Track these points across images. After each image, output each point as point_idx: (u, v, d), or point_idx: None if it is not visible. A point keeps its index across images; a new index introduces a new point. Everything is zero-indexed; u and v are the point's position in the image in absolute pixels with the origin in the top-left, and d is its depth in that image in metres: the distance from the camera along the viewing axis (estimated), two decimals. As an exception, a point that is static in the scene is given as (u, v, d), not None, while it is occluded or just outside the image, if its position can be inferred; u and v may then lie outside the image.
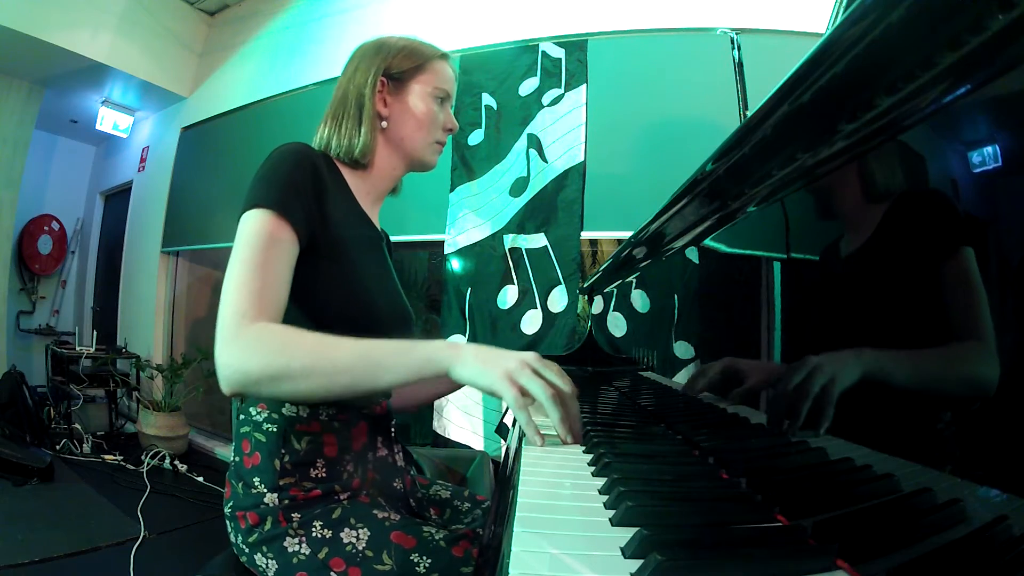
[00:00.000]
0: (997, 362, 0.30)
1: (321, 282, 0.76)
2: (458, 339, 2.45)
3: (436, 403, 2.42)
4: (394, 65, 0.87)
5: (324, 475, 0.76)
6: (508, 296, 2.39)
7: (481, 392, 0.99)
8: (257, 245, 0.68)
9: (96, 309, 4.76)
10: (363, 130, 0.85)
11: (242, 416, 0.78)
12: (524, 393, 0.61)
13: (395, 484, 0.85)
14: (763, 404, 0.60)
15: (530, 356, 0.64)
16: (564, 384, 0.63)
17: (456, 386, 1.06)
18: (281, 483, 0.73)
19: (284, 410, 0.76)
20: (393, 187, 0.95)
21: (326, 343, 0.65)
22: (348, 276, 0.79)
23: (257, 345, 0.63)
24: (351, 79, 0.87)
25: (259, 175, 0.74)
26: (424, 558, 0.68)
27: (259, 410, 0.77)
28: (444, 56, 0.92)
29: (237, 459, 0.77)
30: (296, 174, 0.74)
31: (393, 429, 0.89)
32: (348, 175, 0.87)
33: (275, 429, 0.75)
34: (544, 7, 2.51)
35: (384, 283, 0.88)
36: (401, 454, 0.89)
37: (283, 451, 0.74)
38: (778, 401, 0.54)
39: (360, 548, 0.69)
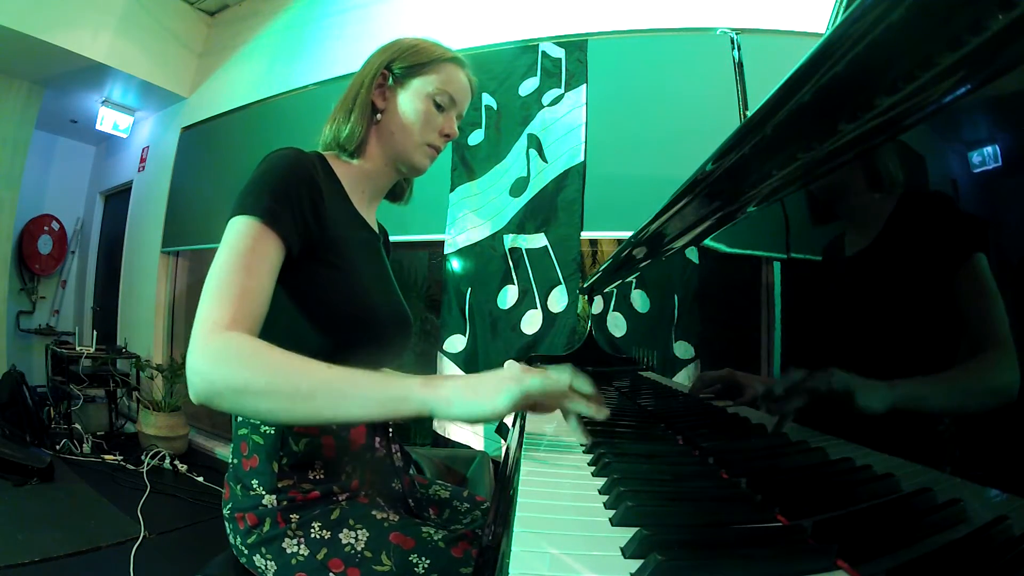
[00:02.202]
0: (1001, 366, 0.30)
1: (318, 285, 0.76)
2: (458, 339, 2.45)
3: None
4: (399, 60, 0.86)
5: (322, 476, 0.76)
6: (508, 296, 2.39)
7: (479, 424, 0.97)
8: (238, 253, 0.66)
9: (96, 309, 4.76)
10: (353, 117, 0.85)
11: (240, 418, 0.78)
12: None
13: (394, 485, 0.85)
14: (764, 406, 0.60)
15: (514, 369, 0.62)
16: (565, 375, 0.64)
17: None
18: (280, 485, 0.73)
19: None
20: (391, 190, 0.95)
21: (293, 363, 0.60)
22: (345, 279, 0.79)
23: (223, 354, 0.60)
24: (359, 72, 0.88)
25: (249, 182, 0.72)
26: (423, 559, 0.68)
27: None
28: (455, 60, 0.88)
29: (235, 461, 0.77)
30: (287, 181, 0.72)
31: (391, 430, 0.89)
32: (342, 172, 0.86)
33: (273, 431, 0.75)
34: (544, 7, 2.51)
35: (381, 284, 0.88)
36: (400, 454, 0.89)
37: (281, 453, 0.74)
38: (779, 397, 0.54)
39: (359, 549, 0.69)
